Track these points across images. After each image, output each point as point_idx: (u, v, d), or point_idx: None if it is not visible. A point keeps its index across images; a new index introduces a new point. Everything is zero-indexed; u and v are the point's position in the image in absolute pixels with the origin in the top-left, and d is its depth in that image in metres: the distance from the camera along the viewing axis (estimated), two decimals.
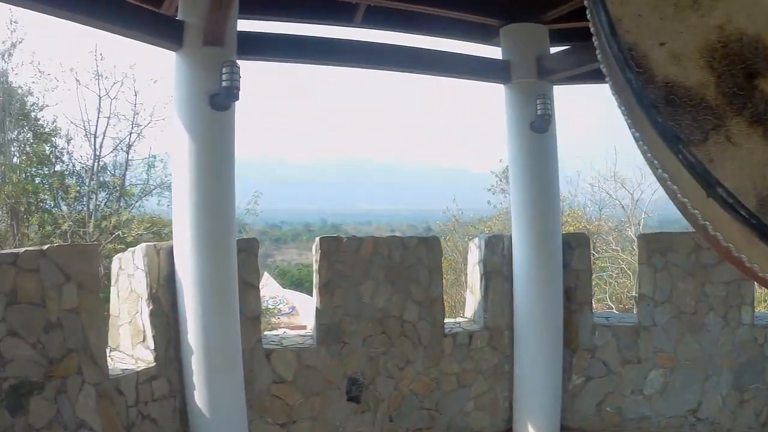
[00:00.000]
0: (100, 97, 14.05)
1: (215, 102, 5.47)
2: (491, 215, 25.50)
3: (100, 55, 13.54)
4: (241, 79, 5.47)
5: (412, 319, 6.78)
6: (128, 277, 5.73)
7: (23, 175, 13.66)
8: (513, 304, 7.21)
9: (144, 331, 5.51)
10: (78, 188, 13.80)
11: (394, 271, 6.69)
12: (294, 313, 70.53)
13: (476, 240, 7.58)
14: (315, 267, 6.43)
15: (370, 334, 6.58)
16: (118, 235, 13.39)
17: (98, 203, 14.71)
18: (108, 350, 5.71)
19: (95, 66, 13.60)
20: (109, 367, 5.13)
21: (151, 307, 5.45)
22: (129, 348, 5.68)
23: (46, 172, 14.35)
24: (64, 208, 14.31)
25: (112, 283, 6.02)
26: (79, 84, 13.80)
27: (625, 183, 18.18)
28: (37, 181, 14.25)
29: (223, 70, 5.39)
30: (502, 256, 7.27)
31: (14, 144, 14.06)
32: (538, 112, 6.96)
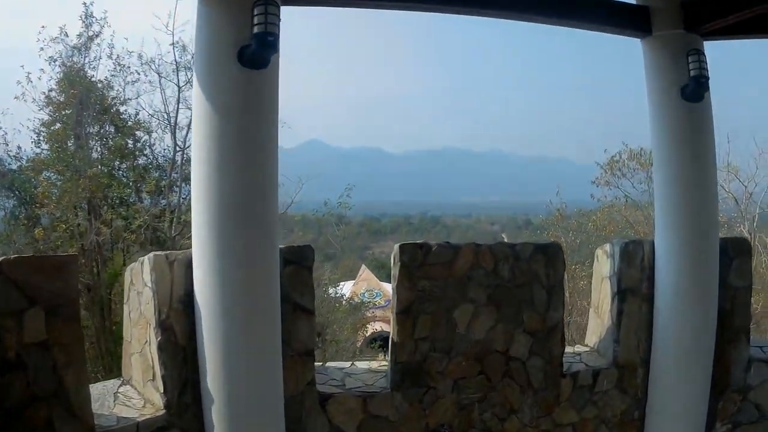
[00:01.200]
0: (179, 87, 13.10)
1: (245, 56, 3.91)
2: (595, 209, 23.89)
3: (183, 47, 12.72)
4: (280, 24, 3.89)
5: (520, 354, 5.01)
6: (137, 296, 4.30)
7: (103, 169, 12.95)
8: (652, 333, 5.30)
9: (153, 367, 4.07)
10: (155, 181, 12.90)
11: (500, 290, 4.96)
12: (390, 306, 69.30)
13: (608, 247, 5.65)
14: (393, 284, 4.79)
15: (463, 375, 4.89)
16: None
17: (183, 197, 13.93)
18: (119, 383, 4.47)
19: (174, 58, 12.71)
20: (105, 413, 3.88)
21: (160, 337, 3.98)
22: (141, 383, 4.28)
23: (128, 166, 13.66)
24: (147, 201, 13.60)
25: (125, 300, 4.64)
26: (161, 77, 12.97)
27: (739, 174, 16.24)
28: (119, 174, 13.51)
29: (255, 11, 3.82)
30: (641, 269, 5.37)
31: (95, 138, 13.34)
32: (692, 74, 5.12)
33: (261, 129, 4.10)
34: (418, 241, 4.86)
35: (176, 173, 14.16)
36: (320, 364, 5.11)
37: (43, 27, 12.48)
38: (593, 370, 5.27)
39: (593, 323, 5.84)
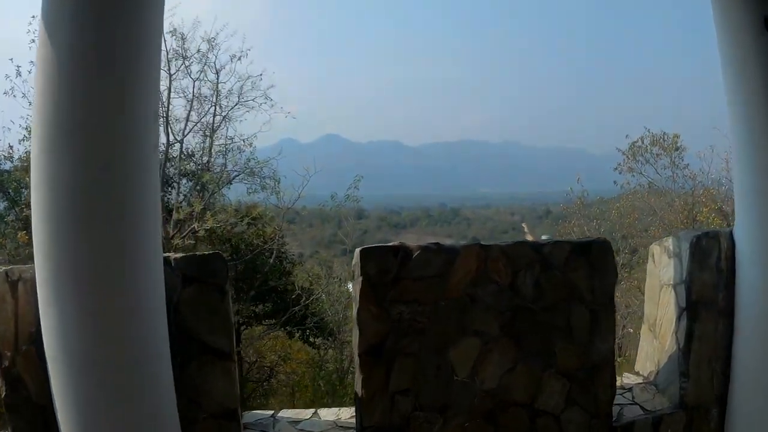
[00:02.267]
0: (170, 76, 11.87)
1: None
2: (617, 195, 22.70)
3: (180, 34, 11.58)
4: None
5: (552, 406, 3.48)
6: None
7: None
8: (731, 362, 3.78)
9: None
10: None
11: (521, 315, 3.42)
12: None
13: (669, 242, 4.10)
14: (354, 309, 3.29)
15: None
16: (194, 228, 11.14)
17: (184, 193, 12.75)
18: None
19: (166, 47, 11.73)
20: None
21: (5, 393, 2.59)
22: None
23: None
24: None
25: None
26: (167, 73, 11.83)
27: None
28: None
29: None
30: (717, 271, 3.83)
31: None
32: None
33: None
34: (391, 243, 3.37)
35: (173, 167, 12.99)
36: (269, 413, 3.63)
37: (33, 17, 11.44)
38: (653, 416, 3.75)
39: (648, 345, 4.34)
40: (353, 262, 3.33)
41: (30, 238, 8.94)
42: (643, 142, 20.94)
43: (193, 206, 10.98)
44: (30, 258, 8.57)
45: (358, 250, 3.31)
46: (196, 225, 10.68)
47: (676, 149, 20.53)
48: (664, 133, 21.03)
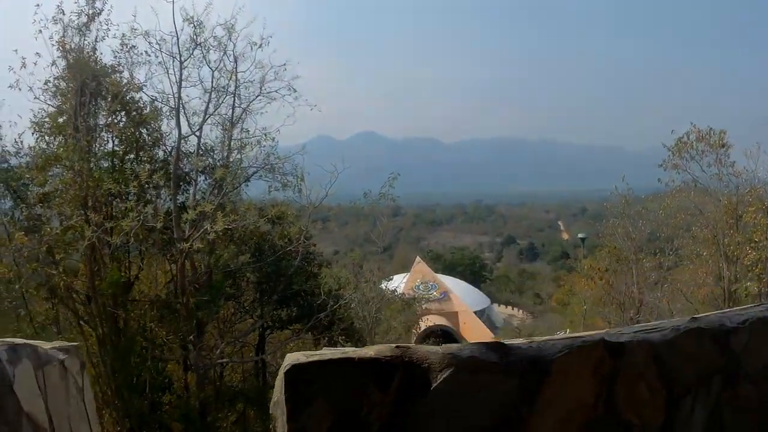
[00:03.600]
0: (182, 64, 10.88)
1: None
2: (660, 194, 21.43)
3: (194, 23, 10.60)
4: None
5: None
6: None
7: (116, 163, 11.24)
8: None
9: None
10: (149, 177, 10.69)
11: None
12: (446, 299, 66.85)
13: None
14: None
15: None
16: (206, 229, 10.15)
17: (203, 191, 11.83)
18: None
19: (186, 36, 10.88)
20: None
21: None
22: None
23: (145, 158, 11.57)
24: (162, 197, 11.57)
25: None
26: (175, 58, 10.80)
27: None
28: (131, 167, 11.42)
29: None
30: None
31: (105, 129, 11.28)
32: None
33: None
34: (366, 354, 1.74)
35: (189, 164, 12.02)
36: None
37: (37, 5, 10.63)
38: None
39: None
40: (277, 389, 1.81)
41: (30, 239, 7.99)
42: (688, 138, 19.56)
43: (203, 206, 9.97)
44: (31, 260, 7.58)
45: (282, 370, 1.75)
46: (208, 226, 9.68)
47: (722, 146, 19.06)
48: (710, 128, 19.56)
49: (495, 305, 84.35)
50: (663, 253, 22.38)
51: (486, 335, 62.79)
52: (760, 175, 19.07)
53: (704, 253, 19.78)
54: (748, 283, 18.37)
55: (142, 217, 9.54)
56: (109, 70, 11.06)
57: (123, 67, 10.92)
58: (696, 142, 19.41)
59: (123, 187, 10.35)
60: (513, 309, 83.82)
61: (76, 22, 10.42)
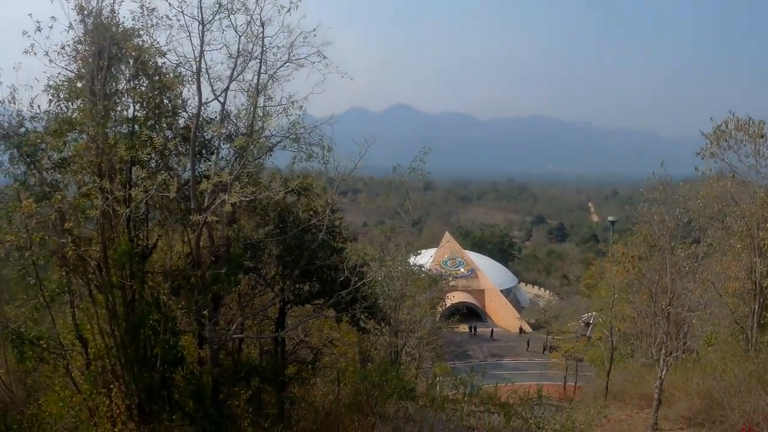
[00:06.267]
0: (203, 25, 10.16)
1: None
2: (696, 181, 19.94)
3: None
4: None
5: None
6: None
7: (136, 128, 10.46)
8: None
9: None
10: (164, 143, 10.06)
11: None
12: (473, 276, 65.98)
13: None
14: None
15: None
16: (223, 200, 9.47)
17: (227, 159, 11.21)
18: None
19: None
20: None
21: None
22: None
23: (167, 125, 10.96)
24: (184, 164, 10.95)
25: None
26: (197, 20, 10.08)
27: None
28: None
29: None
30: None
31: (128, 95, 10.67)
32: None
33: None
34: None
35: (213, 132, 11.39)
36: None
37: None
38: None
39: None
40: None
41: (41, 206, 7.39)
42: (727, 127, 18.57)
43: (220, 175, 9.29)
44: (43, 227, 6.98)
45: None
46: (226, 197, 9.00)
47: (761, 137, 18.02)
48: (750, 118, 18.52)
49: (522, 284, 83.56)
50: (697, 242, 21.43)
51: (511, 314, 62.23)
52: None
53: (737, 246, 19.24)
54: None
55: (155, 186, 8.88)
56: (130, 34, 10.39)
57: (143, 31, 10.20)
58: (735, 131, 18.59)
59: (139, 154, 9.71)
60: (539, 289, 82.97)
61: None
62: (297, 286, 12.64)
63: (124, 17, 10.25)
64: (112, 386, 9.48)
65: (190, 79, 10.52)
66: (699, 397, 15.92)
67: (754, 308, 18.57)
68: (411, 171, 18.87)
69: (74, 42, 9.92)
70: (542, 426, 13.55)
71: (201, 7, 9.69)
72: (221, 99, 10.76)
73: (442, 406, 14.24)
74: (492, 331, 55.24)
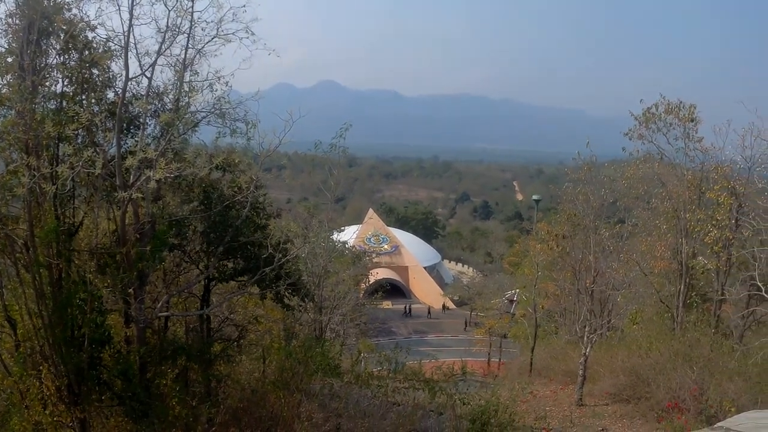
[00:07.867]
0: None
1: None
2: (621, 162, 21.43)
3: None
4: None
5: None
6: None
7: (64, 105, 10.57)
8: None
9: None
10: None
11: None
12: (397, 252, 67.41)
13: None
14: None
15: None
16: (148, 177, 9.77)
17: (154, 135, 11.39)
18: None
19: None
20: None
21: None
22: None
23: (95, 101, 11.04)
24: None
25: None
26: None
27: None
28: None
29: None
30: None
31: (57, 70, 10.69)
32: None
33: None
34: None
35: (140, 108, 11.59)
36: None
37: None
38: None
39: None
40: None
41: None
42: (657, 109, 19.44)
43: (145, 152, 9.62)
44: None
45: None
46: (152, 173, 9.34)
47: (691, 120, 18.96)
48: (681, 101, 19.46)
49: (445, 261, 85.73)
50: (621, 222, 22.51)
51: (435, 291, 63.99)
52: (728, 153, 18.91)
53: (664, 227, 20.11)
54: (706, 261, 18.54)
55: (81, 163, 9.13)
56: (61, 7, 10.44)
57: (73, 4, 10.28)
58: (664, 114, 19.44)
59: (65, 130, 9.87)
60: (463, 266, 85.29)
61: None
62: (221, 263, 13.01)
63: None
64: (41, 368, 9.66)
65: (119, 53, 10.68)
66: (624, 374, 16.52)
67: (680, 288, 19.42)
68: (332, 147, 19.26)
69: (5, 15, 9.93)
70: (467, 401, 14.10)
71: None
72: (148, 74, 10.95)
73: (367, 383, 14.87)
74: (408, 306, 56.68)
